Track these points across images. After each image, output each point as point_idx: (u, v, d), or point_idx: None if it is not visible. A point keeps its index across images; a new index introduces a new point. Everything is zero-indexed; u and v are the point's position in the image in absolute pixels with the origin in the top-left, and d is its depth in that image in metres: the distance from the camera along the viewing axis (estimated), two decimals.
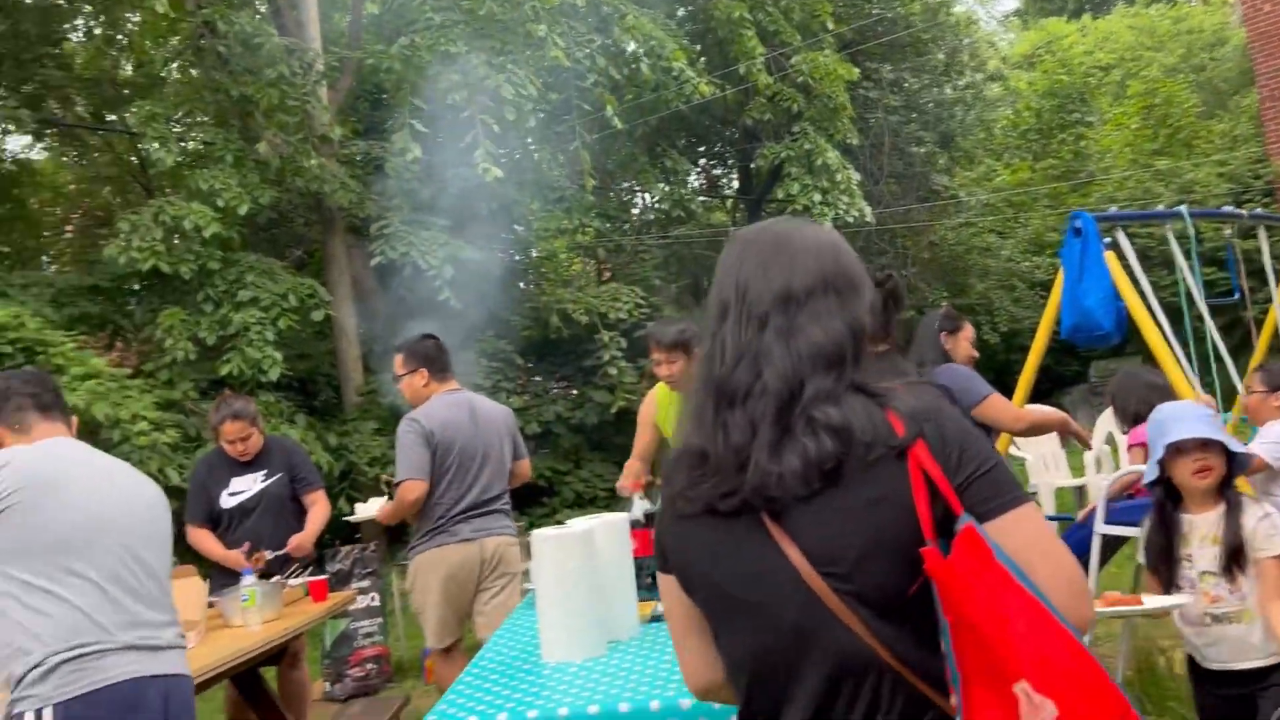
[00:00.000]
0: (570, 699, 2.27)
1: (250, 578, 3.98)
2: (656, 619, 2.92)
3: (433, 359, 4.39)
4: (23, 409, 2.68)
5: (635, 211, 16.70)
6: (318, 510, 4.73)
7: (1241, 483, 3.42)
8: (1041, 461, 8.05)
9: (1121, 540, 4.15)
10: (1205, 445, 2.79)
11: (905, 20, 15.33)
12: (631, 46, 12.50)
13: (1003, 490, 1.29)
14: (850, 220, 12.34)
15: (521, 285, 12.13)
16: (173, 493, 4.18)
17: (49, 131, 13.74)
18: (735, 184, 19.77)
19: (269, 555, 4.45)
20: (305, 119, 10.31)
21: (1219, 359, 5.33)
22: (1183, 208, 5.55)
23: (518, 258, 12.93)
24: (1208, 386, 5.35)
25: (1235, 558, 2.75)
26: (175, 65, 13.41)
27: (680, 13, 14.27)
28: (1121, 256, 4.99)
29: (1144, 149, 18.55)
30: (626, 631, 2.78)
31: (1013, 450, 7.01)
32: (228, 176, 9.28)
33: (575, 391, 12.59)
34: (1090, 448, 5.17)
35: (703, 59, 13.65)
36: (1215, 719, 2.90)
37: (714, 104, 13.72)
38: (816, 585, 1.28)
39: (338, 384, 11.20)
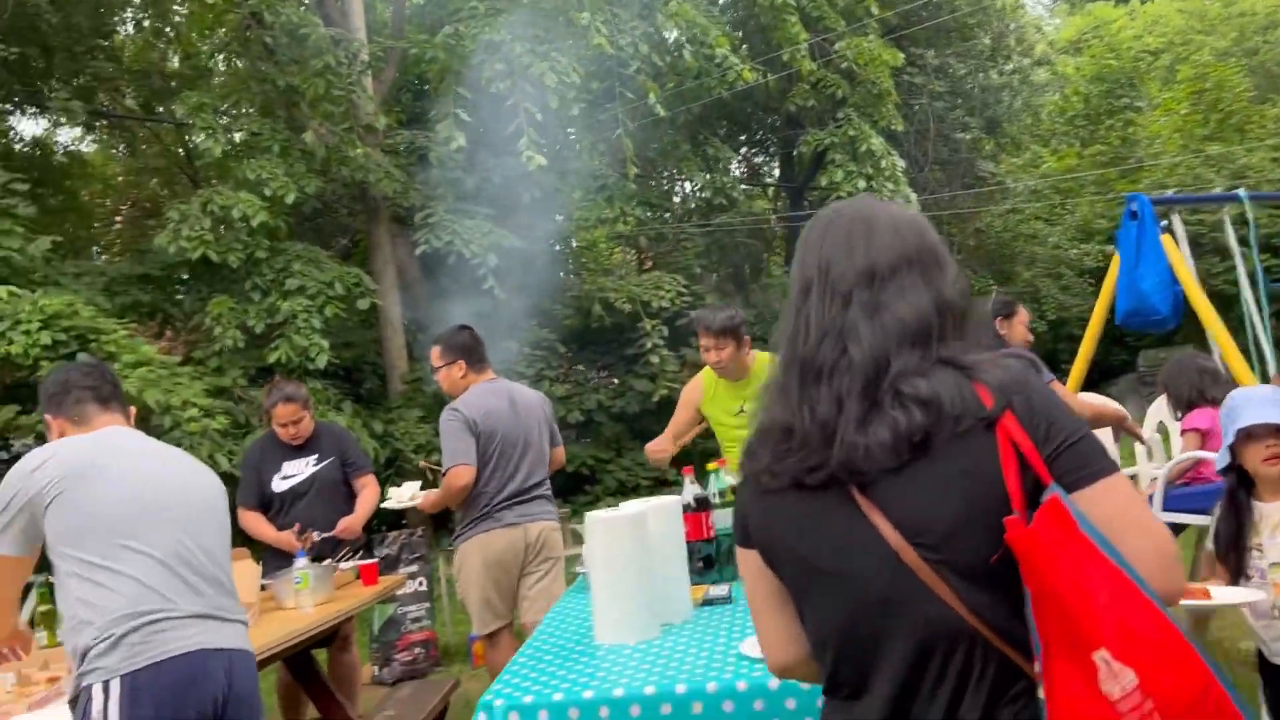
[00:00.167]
0: (626, 680, 2.27)
1: (303, 560, 4.02)
2: (709, 603, 2.91)
3: (470, 350, 4.43)
4: (82, 401, 2.73)
5: (677, 200, 16.66)
6: (367, 494, 4.76)
7: None
8: None
9: (1180, 528, 4.08)
10: (1278, 431, 2.72)
11: (950, 4, 15.14)
12: (674, 34, 12.47)
13: (1091, 460, 1.28)
14: None
15: (563, 274, 12.14)
16: (223, 478, 4.24)
17: (99, 123, 13.94)
18: (776, 172, 19.66)
19: (318, 536, 4.49)
20: (350, 109, 10.39)
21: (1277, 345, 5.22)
22: (1240, 191, 5.44)
23: (557, 247, 12.94)
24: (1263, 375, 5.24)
25: None
26: (221, 57, 13.58)
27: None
28: (1175, 241, 4.89)
29: (1194, 134, 18.23)
30: (679, 615, 2.77)
31: None
32: (274, 166, 9.37)
33: (616, 380, 12.60)
34: (1145, 443, 5.09)
35: (744, 46, 13.57)
36: None
37: (755, 91, 13.65)
38: (907, 556, 1.28)
39: (383, 372, 11.29)
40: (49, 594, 3.69)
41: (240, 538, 4.64)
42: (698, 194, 14.83)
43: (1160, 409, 5.06)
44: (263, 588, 4.08)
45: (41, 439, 8.90)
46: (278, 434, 4.67)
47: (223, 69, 13.91)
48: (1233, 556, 2.81)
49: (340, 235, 13.38)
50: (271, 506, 4.64)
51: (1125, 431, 4.53)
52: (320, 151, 9.79)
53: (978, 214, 16.23)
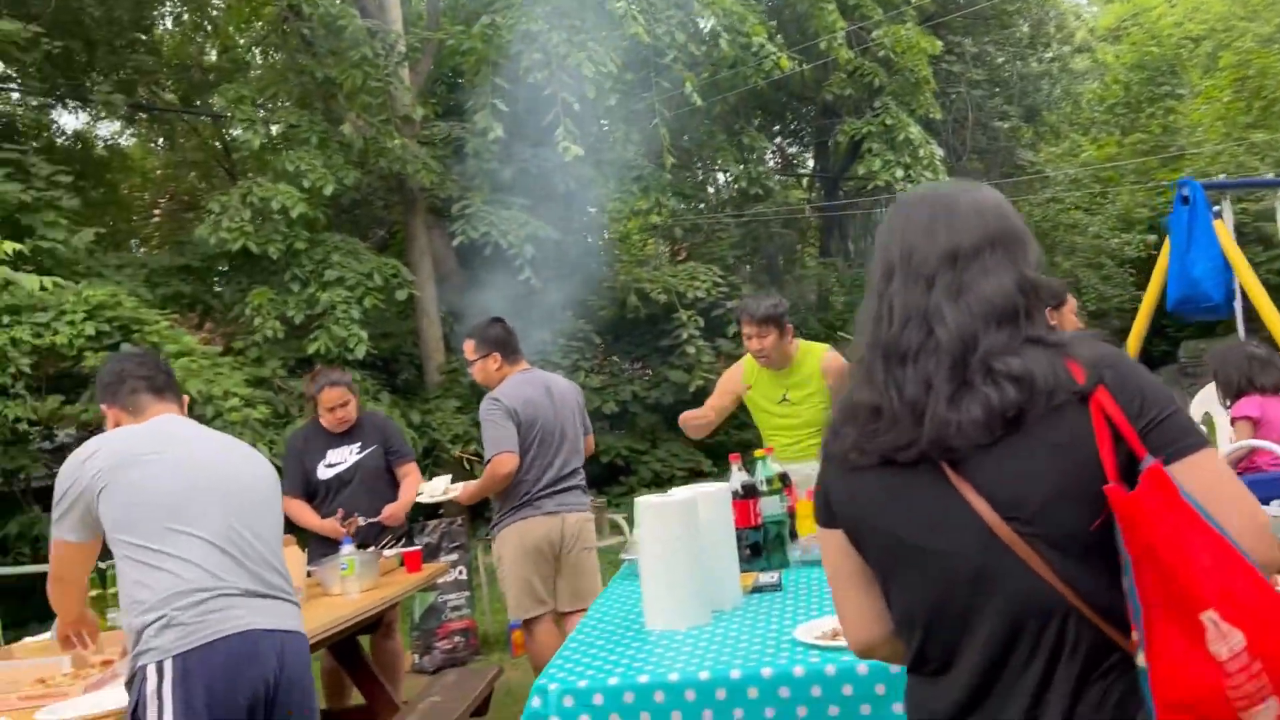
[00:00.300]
0: (680, 665, 2.25)
1: (349, 547, 4.04)
2: (759, 590, 2.89)
3: (503, 342, 4.50)
4: (137, 391, 2.77)
5: (711, 190, 16.60)
6: (410, 482, 4.79)
7: None
8: None
9: None
10: None
11: None
12: (709, 24, 12.40)
13: (1184, 434, 1.31)
14: None
15: (598, 265, 12.12)
16: None
17: (140, 117, 14.08)
18: (810, 162, 19.54)
19: (363, 520, 4.52)
20: (388, 100, 10.43)
21: None
22: None
23: (589, 239, 12.94)
24: None
25: None
26: (258, 50, 13.68)
27: None
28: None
29: (1237, 122, 17.94)
30: (730, 601, 2.75)
31: None
32: (313, 157, 9.42)
33: (651, 371, 12.59)
34: None
35: (779, 35, 13.47)
36: None
37: (790, 80, 13.55)
38: (1002, 531, 1.30)
39: (419, 363, 11.34)
40: (98, 579, 3.74)
41: (286, 526, 4.68)
42: (734, 184, 14.76)
43: (1205, 399, 4.97)
44: (308, 574, 4.11)
45: (85, 428, 9.02)
46: (324, 420, 4.69)
47: (259, 62, 14.01)
48: None
49: (376, 227, 13.44)
50: (316, 494, 4.67)
51: None
52: (358, 143, 9.84)
53: (1017, 203, 15.97)
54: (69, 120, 14.75)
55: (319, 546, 4.48)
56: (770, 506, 3.17)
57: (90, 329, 7.48)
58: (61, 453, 10.40)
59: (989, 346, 1.33)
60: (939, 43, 12.83)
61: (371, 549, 4.38)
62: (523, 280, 9.86)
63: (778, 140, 18.26)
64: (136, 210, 16.12)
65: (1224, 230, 4.61)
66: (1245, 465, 4.24)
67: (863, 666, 2.12)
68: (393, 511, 4.64)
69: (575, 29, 9.40)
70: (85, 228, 9.03)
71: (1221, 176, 6.57)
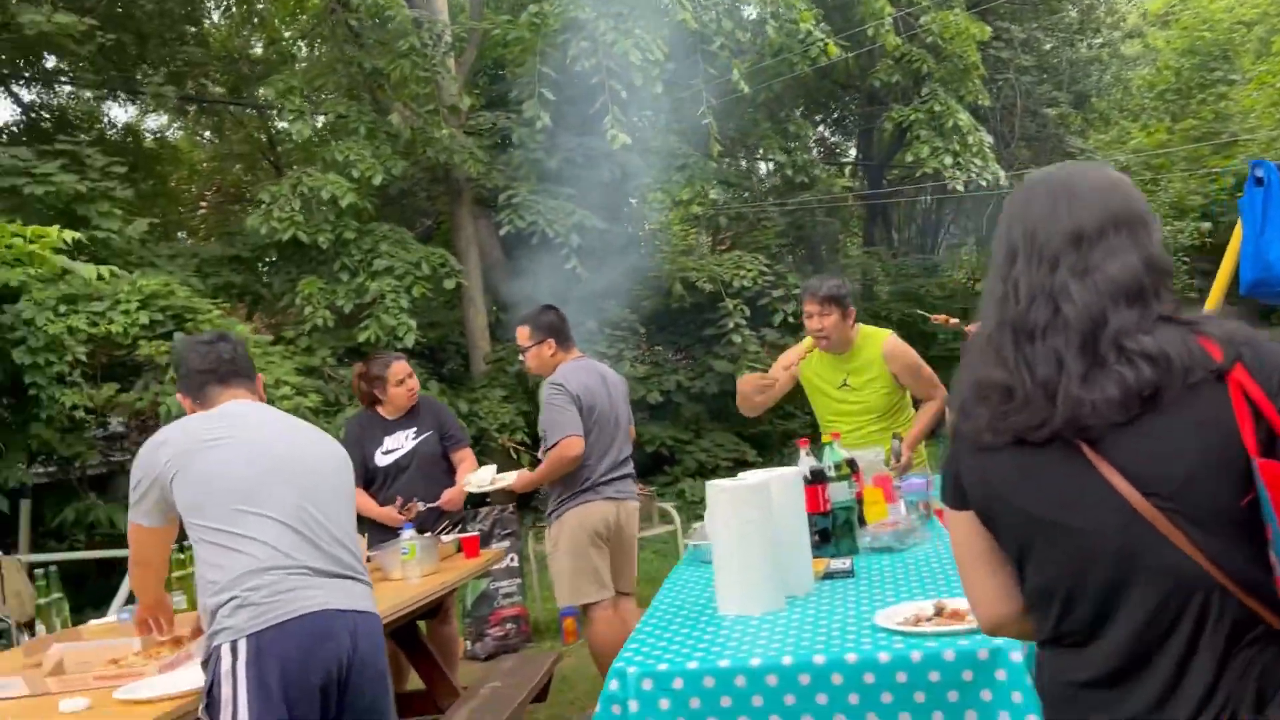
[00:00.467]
0: (760, 649, 2.23)
1: (410, 531, 4.05)
2: (830, 576, 2.86)
3: (557, 329, 4.54)
4: (205, 384, 2.81)
5: (756, 179, 16.50)
6: (466, 467, 4.80)
7: None
8: None
9: None
10: None
11: None
12: (754, 12, 12.32)
13: None
14: (983, 184, 11.96)
15: (643, 254, 12.08)
16: None
17: (190, 109, 14.23)
18: (852, 151, 19.38)
19: (422, 507, 4.53)
20: (435, 90, 10.45)
21: None
22: None
23: (630, 228, 12.89)
24: None
25: None
26: (304, 41, 13.77)
27: None
28: None
29: None
30: (803, 587, 2.72)
31: None
32: (361, 148, 9.46)
33: (694, 361, 12.54)
34: None
35: (823, 23, 13.34)
36: None
37: (835, 68, 13.42)
38: (1143, 508, 1.31)
39: (466, 352, 11.37)
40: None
41: None
42: (778, 172, 14.66)
43: None
44: (368, 559, 4.12)
45: (137, 416, 9.10)
46: (394, 394, 4.69)
47: (305, 53, 14.10)
48: None
49: (422, 217, 13.49)
50: (374, 481, 4.68)
51: None
52: (406, 133, 9.87)
53: None
54: (118, 113, 14.95)
55: (378, 532, 4.49)
56: (839, 493, 3.14)
57: (144, 318, 7.57)
58: (115, 441, 10.56)
59: (1119, 325, 1.34)
60: (988, 28, 12.65)
61: (428, 534, 4.39)
62: (569, 269, 9.84)
63: (819, 129, 18.12)
64: (183, 202, 16.31)
65: None
66: None
67: (949, 653, 2.09)
68: (452, 496, 4.65)
69: (622, 15, 9.35)
70: (139, 218, 9.13)
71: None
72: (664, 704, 2.17)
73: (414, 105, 10.41)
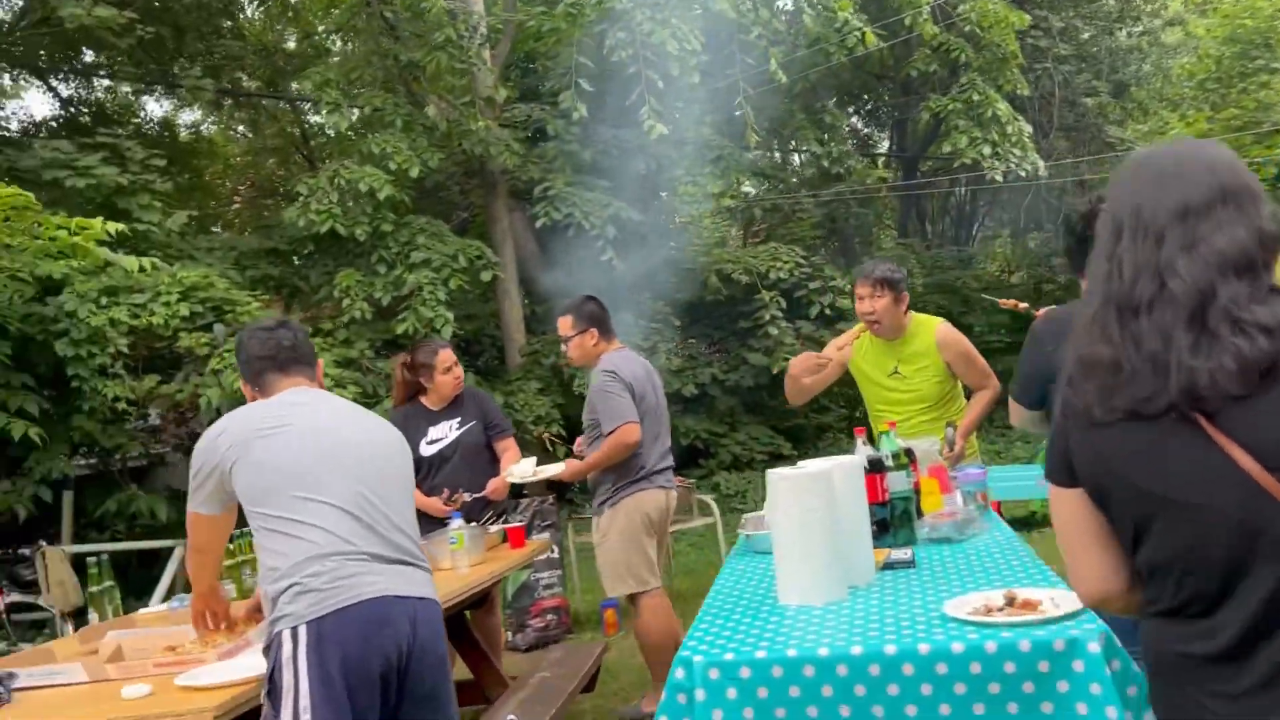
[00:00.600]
0: (827, 639, 2.19)
1: (458, 521, 4.05)
2: (890, 566, 2.82)
3: (600, 319, 4.54)
4: (263, 372, 2.81)
5: (790, 170, 16.41)
6: (510, 456, 4.79)
7: None
8: None
9: None
10: None
11: None
12: (790, 1, 12.23)
13: None
14: (1023, 174, 11.83)
15: (677, 245, 12.03)
16: None
17: (224, 103, 14.32)
18: (886, 143, 19.24)
19: (468, 497, 4.53)
20: (470, 82, 10.44)
21: None
22: None
23: (663, 219, 12.84)
24: None
25: None
26: (339, 35, 13.80)
27: None
28: None
29: None
30: (864, 577, 2.68)
31: None
32: (398, 140, 9.47)
33: (729, 353, 12.48)
34: None
35: (860, 12, 13.24)
36: None
37: (870, 58, 13.32)
38: (1266, 482, 1.29)
39: (501, 344, 11.37)
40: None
41: None
42: (814, 163, 14.56)
43: None
44: None
45: (177, 408, 9.12)
46: (441, 381, 4.66)
47: (338, 47, 14.14)
48: None
49: (457, 210, 13.50)
50: (419, 471, 4.66)
51: None
52: (442, 125, 9.87)
53: (1107, 181, 15.59)
54: (153, 108, 15.07)
55: (423, 523, 4.44)
56: (897, 482, 3.10)
57: (184, 310, 7.62)
58: (155, 432, 10.63)
59: (1230, 297, 1.32)
60: (1026, 16, 12.50)
61: (474, 524, 4.38)
62: (604, 261, 9.82)
63: (852, 119, 17.98)
64: (218, 196, 16.43)
65: None
66: None
67: (1025, 643, 2.05)
68: (498, 485, 4.65)
69: (659, 5, 9.30)
70: (178, 211, 9.19)
71: None
72: (731, 693, 2.14)
73: (450, 98, 10.41)
